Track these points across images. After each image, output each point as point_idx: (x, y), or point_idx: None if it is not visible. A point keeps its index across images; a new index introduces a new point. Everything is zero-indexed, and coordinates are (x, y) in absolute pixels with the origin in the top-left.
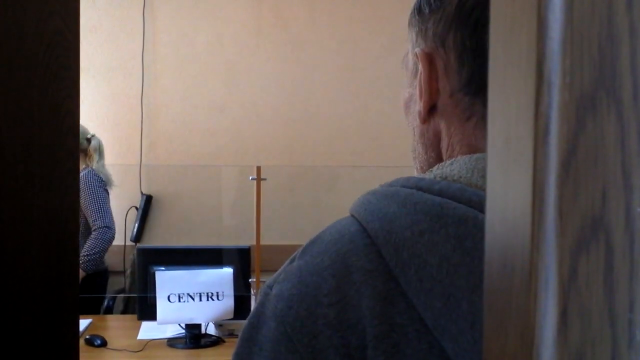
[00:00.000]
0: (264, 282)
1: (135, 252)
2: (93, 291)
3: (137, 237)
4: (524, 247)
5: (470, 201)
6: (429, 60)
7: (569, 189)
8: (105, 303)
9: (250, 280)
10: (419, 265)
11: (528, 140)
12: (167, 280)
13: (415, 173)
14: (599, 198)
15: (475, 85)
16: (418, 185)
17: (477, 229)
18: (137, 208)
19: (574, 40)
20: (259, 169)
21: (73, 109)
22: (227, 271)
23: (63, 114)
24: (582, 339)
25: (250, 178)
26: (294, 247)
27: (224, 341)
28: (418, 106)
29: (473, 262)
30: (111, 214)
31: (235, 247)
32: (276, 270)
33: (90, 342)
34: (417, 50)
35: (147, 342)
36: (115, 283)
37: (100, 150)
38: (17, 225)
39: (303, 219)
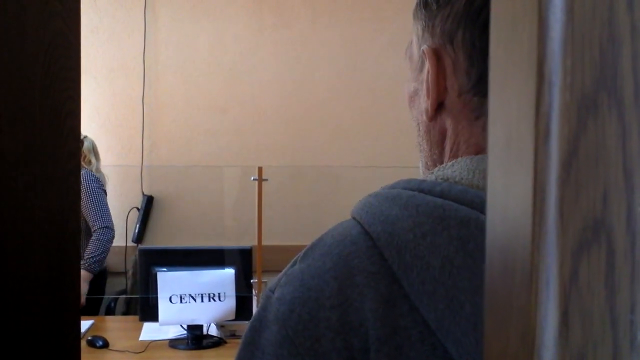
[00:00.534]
0: (265, 282)
1: (136, 253)
2: (93, 292)
3: (139, 238)
4: (525, 248)
5: (472, 203)
6: (437, 57)
7: (570, 190)
8: (107, 304)
9: (252, 280)
10: (422, 267)
11: (529, 141)
12: (168, 281)
13: (420, 167)
14: (600, 199)
15: (484, 85)
16: (420, 188)
17: (480, 230)
18: (138, 209)
19: (575, 40)
20: (260, 169)
21: (74, 110)
22: (229, 272)
23: (64, 115)
24: (583, 340)
25: (252, 178)
26: (295, 248)
27: (225, 342)
28: (425, 104)
29: (475, 264)
30: (110, 214)
31: (237, 248)
32: (278, 271)
33: (92, 343)
34: (424, 47)
35: (149, 343)
36: (116, 284)
37: (95, 152)
38: (18, 227)
39: (305, 219)
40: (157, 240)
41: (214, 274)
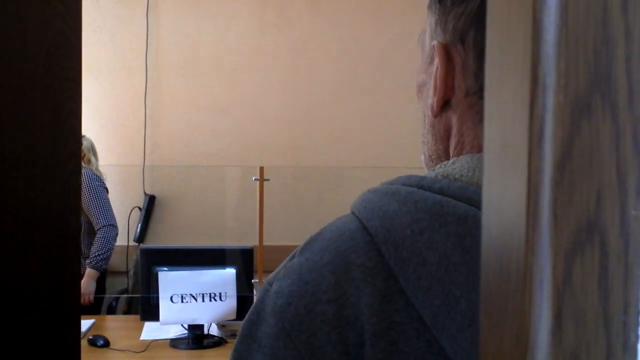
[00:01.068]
0: None
1: (138, 252)
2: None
3: (140, 238)
4: (519, 249)
5: (470, 200)
6: (447, 54)
7: (564, 192)
8: (108, 303)
9: (253, 280)
10: (418, 263)
11: (523, 143)
12: (170, 280)
13: (422, 159)
14: (594, 201)
15: None
16: (419, 184)
17: (477, 227)
18: (140, 208)
19: (568, 42)
20: (262, 169)
21: (75, 110)
22: (230, 272)
23: (65, 115)
24: (576, 341)
25: (254, 178)
26: (297, 248)
27: (226, 342)
28: (431, 99)
29: (473, 261)
30: (113, 212)
31: (238, 248)
32: None
33: (92, 343)
34: (434, 42)
35: (150, 343)
36: (118, 283)
37: (94, 151)
38: (18, 226)
39: (306, 219)
40: (158, 239)
41: (215, 274)
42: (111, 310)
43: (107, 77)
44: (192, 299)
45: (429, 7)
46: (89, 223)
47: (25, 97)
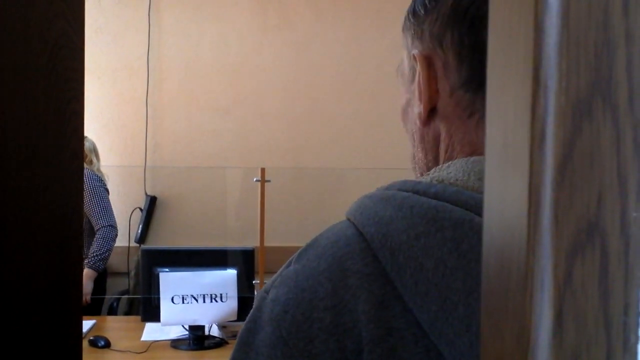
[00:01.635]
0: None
1: (139, 253)
2: (95, 292)
3: (142, 239)
4: (520, 249)
5: (466, 204)
6: (427, 61)
7: (565, 193)
8: (109, 304)
9: (254, 281)
10: (415, 268)
11: (524, 144)
12: (171, 281)
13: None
14: (595, 202)
15: (475, 82)
16: (414, 189)
17: (474, 232)
18: (141, 209)
19: (570, 44)
20: (263, 170)
21: (78, 110)
22: (231, 273)
23: (68, 115)
24: (577, 341)
25: (255, 180)
26: (298, 249)
27: (227, 343)
28: (418, 109)
29: (469, 265)
30: (113, 213)
31: (240, 249)
32: None
33: (93, 343)
34: (414, 52)
35: (151, 344)
36: (119, 284)
37: (96, 152)
38: (21, 227)
39: (307, 220)
40: (159, 240)
41: (216, 275)
42: (112, 311)
43: (109, 77)
44: (193, 300)
45: (403, 28)
46: (89, 224)
47: (29, 97)
